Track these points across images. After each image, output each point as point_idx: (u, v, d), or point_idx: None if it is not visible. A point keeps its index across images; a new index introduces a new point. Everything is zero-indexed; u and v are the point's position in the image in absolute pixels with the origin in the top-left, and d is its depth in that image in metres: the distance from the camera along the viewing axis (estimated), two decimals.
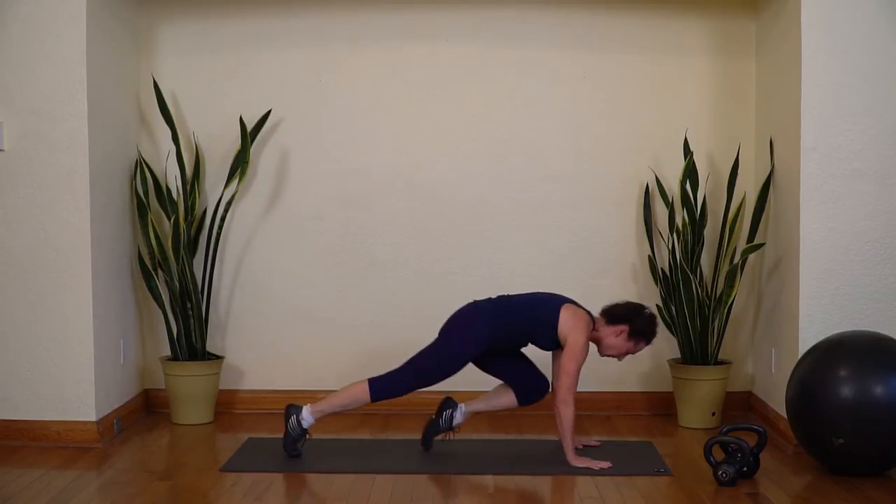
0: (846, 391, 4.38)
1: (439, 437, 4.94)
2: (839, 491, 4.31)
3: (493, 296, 4.90)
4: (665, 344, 5.69)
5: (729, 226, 5.46)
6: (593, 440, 5.05)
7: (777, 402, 5.19)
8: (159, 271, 5.55)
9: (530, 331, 4.75)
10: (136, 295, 5.66)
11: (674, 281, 5.42)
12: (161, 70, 5.73)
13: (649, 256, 5.62)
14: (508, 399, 4.93)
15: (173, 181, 5.62)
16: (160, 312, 5.61)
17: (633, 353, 4.80)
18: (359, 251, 5.79)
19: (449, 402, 4.96)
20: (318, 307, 5.78)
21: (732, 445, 4.45)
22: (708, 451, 4.45)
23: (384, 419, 5.62)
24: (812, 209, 4.90)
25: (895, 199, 4.90)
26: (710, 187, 5.66)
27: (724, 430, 4.56)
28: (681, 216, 5.48)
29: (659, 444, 5.09)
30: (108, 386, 5.22)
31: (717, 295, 5.40)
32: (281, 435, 4.84)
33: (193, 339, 5.54)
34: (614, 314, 4.75)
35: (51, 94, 4.99)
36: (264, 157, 5.78)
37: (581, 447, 4.89)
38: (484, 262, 5.77)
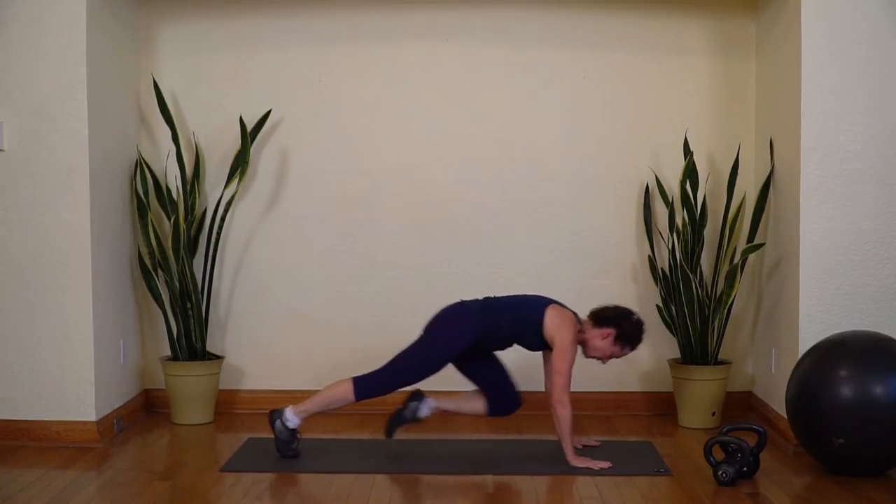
0: (846, 391, 4.38)
1: (403, 426, 4.93)
2: (839, 491, 4.31)
3: (481, 297, 4.89)
4: (665, 344, 5.69)
5: (729, 226, 5.46)
6: (593, 440, 5.05)
7: (777, 402, 5.19)
8: (159, 271, 5.55)
9: (517, 331, 4.74)
10: (136, 295, 5.66)
11: (674, 281, 5.42)
12: (161, 70, 5.73)
13: (649, 256, 5.62)
14: (479, 406, 4.93)
15: (173, 181, 5.62)
16: (160, 312, 5.61)
17: (617, 356, 4.78)
18: (359, 251, 5.79)
19: (417, 395, 4.97)
20: (318, 307, 5.78)
21: (732, 445, 4.45)
22: (708, 451, 4.45)
23: (384, 419, 5.62)
24: (812, 209, 4.90)
25: (895, 199, 4.90)
26: (710, 187, 5.66)
27: (724, 430, 4.56)
28: (681, 216, 5.48)
29: (659, 444, 5.09)
30: (108, 386, 5.22)
31: (717, 295, 5.40)
32: None
33: (193, 339, 5.54)
34: (602, 317, 4.74)
35: (51, 94, 4.99)
36: (264, 157, 5.78)
37: (581, 447, 4.89)
38: (484, 262, 5.77)
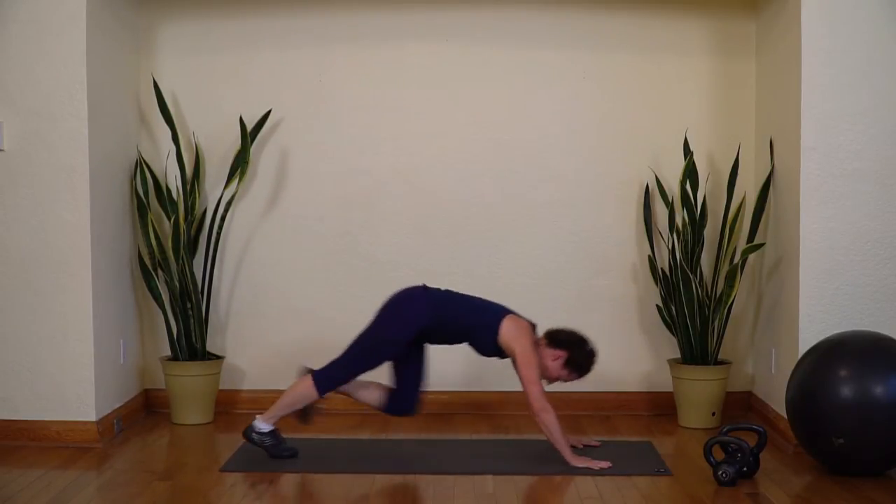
0: (846, 391, 4.38)
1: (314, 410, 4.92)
2: (839, 491, 4.31)
3: (443, 288, 4.87)
4: (665, 344, 5.69)
5: (729, 226, 5.46)
6: (593, 440, 5.05)
7: (777, 402, 5.19)
8: (159, 271, 5.55)
9: (470, 331, 4.73)
10: (136, 295, 5.66)
11: (674, 281, 5.42)
12: (161, 70, 5.73)
13: (649, 256, 5.62)
14: (376, 399, 4.88)
15: (173, 181, 5.62)
16: (160, 312, 5.61)
17: (563, 380, 4.76)
18: (359, 251, 5.78)
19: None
20: (319, 307, 5.78)
21: (732, 445, 4.45)
22: (708, 451, 4.45)
23: (384, 419, 5.62)
24: (812, 209, 4.90)
25: (895, 199, 4.90)
26: (710, 187, 5.66)
27: (724, 430, 4.56)
28: (681, 216, 5.48)
29: (659, 444, 5.09)
30: (108, 386, 5.22)
31: (717, 295, 5.40)
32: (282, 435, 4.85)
33: (193, 339, 5.54)
34: (557, 338, 4.73)
35: (51, 94, 4.99)
36: (264, 157, 5.78)
37: (581, 447, 4.89)
38: (483, 262, 5.77)
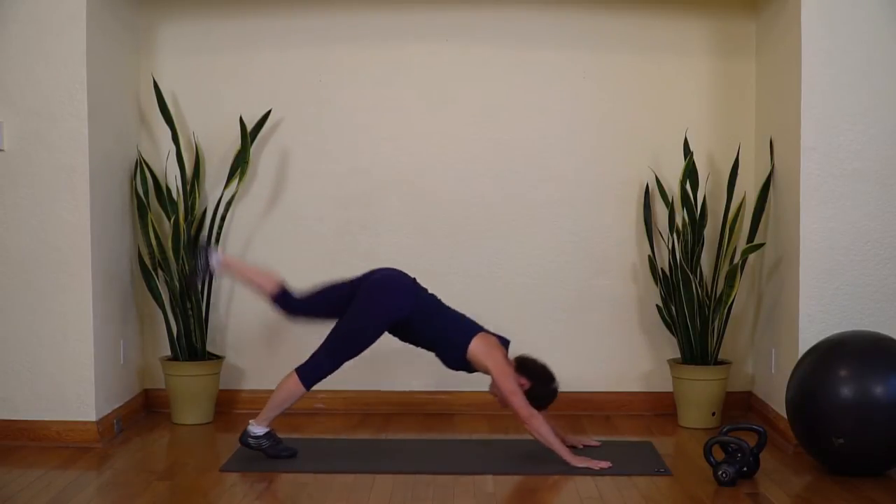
0: (846, 391, 4.38)
1: (201, 278, 4.99)
2: (839, 491, 4.31)
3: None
4: (665, 344, 5.69)
5: (729, 226, 5.46)
6: (593, 440, 5.05)
7: (777, 402, 5.19)
8: (159, 271, 5.55)
9: (436, 341, 4.74)
10: (136, 295, 5.66)
11: (674, 281, 5.42)
12: (161, 70, 5.73)
13: (649, 256, 5.62)
14: (266, 287, 4.89)
15: (173, 181, 5.62)
16: (160, 312, 5.62)
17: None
18: (359, 251, 5.78)
19: (201, 247, 4.98)
20: None
21: (732, 445, 4.45)
22: (708, 451, 4.45)
23: (384, 419, 5.63)
24: (812, 209, 4.90)
25: (895, 199, 4.90)
26: (710, 187, 5.66)
27: (724, 430, 4.56)
28: (681, 216, 5.48)
29: (659, 444, 5.09)
30: (108, 386, 5.22)
31: (717, 295, 5.40)
32: (281, 436, 4.85)
33: (193, 339, 5.54)
34: (526, 367, 4.72)
35: (51, 94, 4.99)
36: (264, 157, 5.78)
37: (581, 447, 4.89)
38: (484, 262, 5.77)
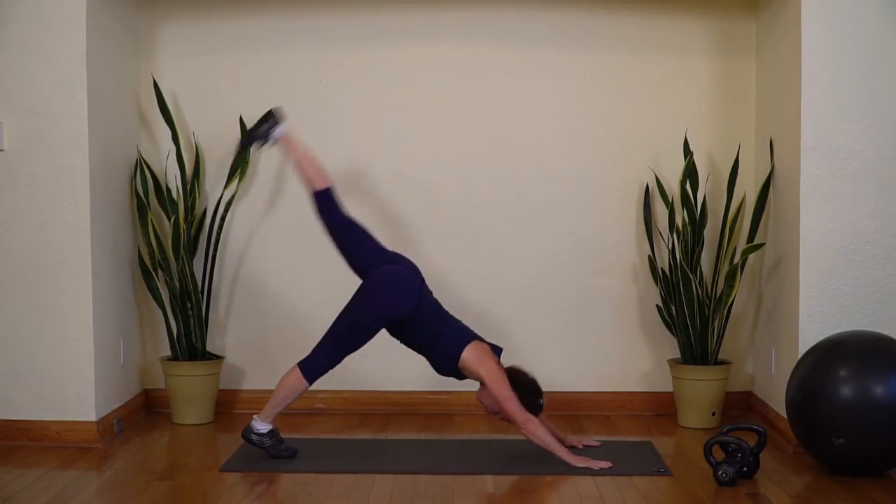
0: (846, 391, 4.38)
1: (258, 144, 4.99)
2: (839, 491, 4.31)
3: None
4: (665, 344, 5.69)
5: (729, 226, 5.46)
6: (593, 440, 5.05)
7: (777, 402, 5.19)
8: (159, 271, 5.55)
9: (429, 346, 4.73)
10: (136, 295, 5.66)
11: (674, 281, 5.42)
12: (161, 70, 5.73)
13: (649, 256, 5.62)
14: (316, 182, 4.87)
15: (173, 181, 5.62)
16: (160, 312, 5.62)
17: (496, 416, 4.75)
18: None
19: (275, 118, 4.95)
20: (318, 307, 5.76)
21: (732, 445, 4.45)
22: (708, 451, 4.45)
23: (384, 419, 5.63)
24: (812, 209, 4.90)
25: (895, 199, 4.90)
26: (710, 187, 5.66)
27: (724, 430, 4.56)
28: (681, 216, 5.48)
29: (659, 444, 5.09)
30: (108, 386, 5.22)
31: (717, 295, 5.40)
32: (282, 436, 4.85)
33: (193, 339, 5.54)
34: (516, 378, 4.70)
35: (51, 94, 4.99)
36: (264, 157, 5.78)
37: (581, 447, 4.89)
38: (484, 262, 5.77)
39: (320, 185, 4.87)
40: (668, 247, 5.58)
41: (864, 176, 4.89)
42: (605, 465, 4.59)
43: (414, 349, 4.81)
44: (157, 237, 5.47)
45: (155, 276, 5.55)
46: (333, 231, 4.88)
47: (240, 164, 5.60)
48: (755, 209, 5.41)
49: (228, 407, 5.76)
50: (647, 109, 5.74)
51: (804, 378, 4.54)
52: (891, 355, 4.44)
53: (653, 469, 4.61)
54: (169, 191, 5.58)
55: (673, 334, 5.52)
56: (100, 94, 5.14)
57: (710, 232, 5.59)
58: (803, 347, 4.84)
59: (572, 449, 4.78)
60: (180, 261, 5.44)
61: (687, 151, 5.50)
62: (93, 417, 5.04)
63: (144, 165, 5.56)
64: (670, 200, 5.55)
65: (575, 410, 5.69)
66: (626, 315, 5.76)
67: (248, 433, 4.77)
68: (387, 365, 5.62)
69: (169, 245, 5.49)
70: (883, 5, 4.86)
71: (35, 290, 5.03)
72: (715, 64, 5.73)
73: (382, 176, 5.77)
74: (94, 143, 5.05)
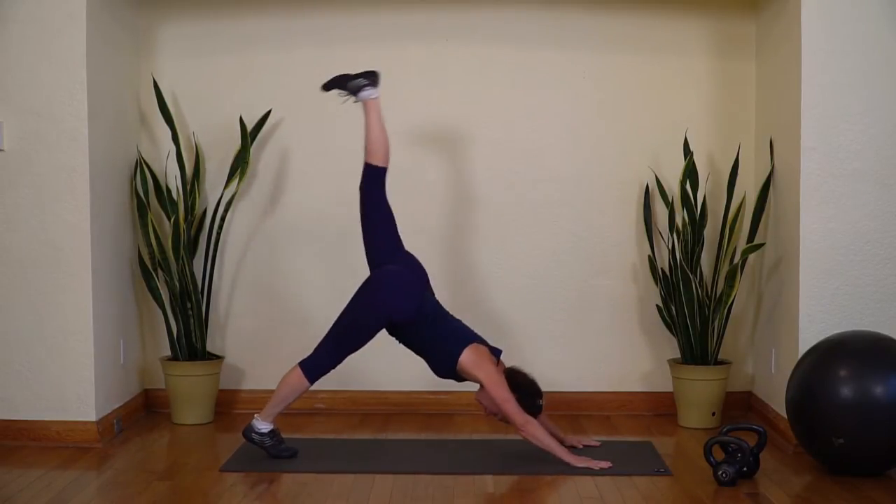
0: (846, 391, 4.38)
1: (341, 93, 4.96)
2: (839, 491, 4.31)
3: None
4: (665, 344, 5.69)
5: (729, 226, 5.46)
6: (593, 440, 5.05)
7: (777, 402, 5.19)
8: (159, 271, 5.55)
9: (428, 348, 4.73)
10: (136, 295, 5.67)
11: (674, 281, 5.42)
12: (161, 70, 5.73)
13: (649, 256, 5.62)
14: (379, 154, 4.87)
15: (173, 181, 5.62)
16: (160, 312, 5.62)
17: (495, 416, 4.75)
18: (359, 251, 5.75)
19: (373, 79, 4.93)
20: (318, 307, 5.77)
21: (732, 445, 4.45)
22: (708, 451, 4.45)
23: (384, 419, 5.63)
24: (812, 209, 4.90)
25: (895, 199, 4.90)
26: (710, 187, 5.66)
27: (724, 430, 4.56)
28: (681, 216, 5.48)
29: (659, 444, 5.09)
30: (108, 386, 5.22)
31: (717, 295, 5.40)
32: (282, 436, 4.85)
33: (193, 339, 5.54)
34: (514, 380, 4.70)
35: (51, 94, 4.99)
36: (264, 157, 5.78)
37: (581, 447, 4.89)
38: (484, 262, 5.77)
39: (379, 162, 4.87)
40: (668, 247, 5.58)
41: (864, 176, 4.89)
42: (606, 465, 4.59)
43: (413, 350, 4.81)
44: (157, 237, 5.47)
45: (155, 276, 5.55)
46: (368, 209, 4.88)
47: (240, 164, 5.60)
48: (755, 209, 5.41)
49: (228, 407, 5.76)
50: (647, 109, 5.74)
51: (804, 378, 4.54)
52: (891, 355, 4.44)
53: (653, 469, 4.61)
54: (169, 191, 5.58)
55: (673, 334, 5.52)
56: (100, 94, 5.14)
57: (710, 232, 5.59)
58: (803, 347, 4.84)
59: (572, 449, 4.78)
60: (180, 261, 5.44)
61: (687, 151, 5.50)
62: (93, 417, 5.04)
63: (144, 165, 5.56)
64: (670, 200, 5.55)
65: (575, 410, 5.69)
66: (626, 315, 5.76)
67: (248, 432, 4.78)
68: (387, 365, 5.62)
69: (169, 245, 5.49)
70: (883, 5, 4.86)
71: (35, 290, 5.03)
72: (715, 64, 5.73)
73: None
74: (94, 143, 5.05)
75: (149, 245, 5.50)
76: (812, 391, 4.46)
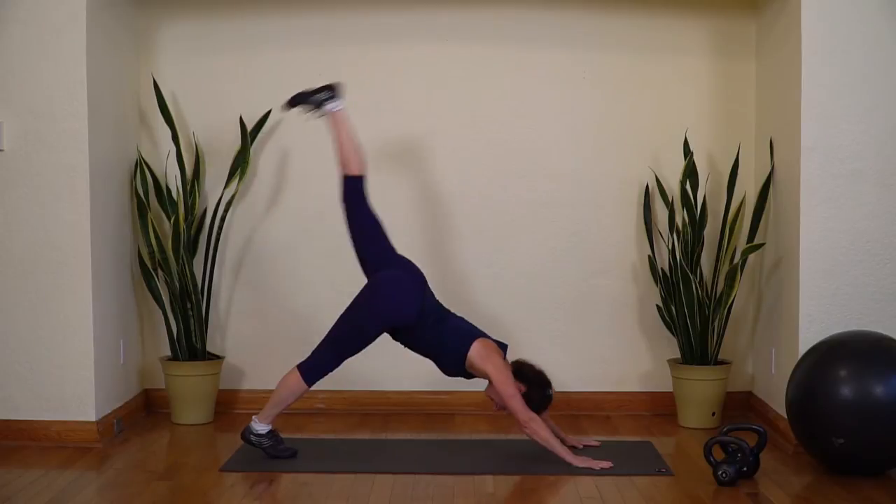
0: (846, 391, 4.38)
1: (304, 109, 4.95)
2: (839, 491, 4.31)
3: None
4: (665, 344, 5.70)
5: (729, 226, 5.46)
6: (593, 440, 5.05)
7: (777, 402, 5.19)
8: (159, 271, 5.55)
9: (434, 349, 4.73)
10: (136, 295, 5.67)
11: (674, 281, 5.42)
12: (161, 70, 5.73)
13: (649, 256, 5.62)
14: (353, 164, 4.87)
15: (173, 181, 5.62)
16: (160, 312, 5.62)
17: (509, 413, 4.75)
18: None
19: (334, 92, 4.91)
20: (319, 307, 5.77)
21: (732, 445, 4.45)
22: (708, 451, 4.45)
23: (384, 419, 5.63)
24: (812, 209, 4.90)
25: (895, 199, 4.90)
26: (710, 187, 5.66)
27: (724, 430, 4.56)
28: (681, 216, 5.48)
29: (659, 444, 5.09)
30: (108, 386, 5.22)
31: (717, 295, 5.40)
32: (282, 436, 4.85)
33: (193, 339, 5.54)
34: (522, 371, 4.72)
35: (51, 94, 4.99)
36: (264, 157, 5.78)
37: (581, 447, 4.89)
38: (484, 262, 5.77)
39: (354, 171, 4.88)
40: (668, 247, 5.58)
41: (864, 176, 4.89)
42: (606, 464, 4.59)
43: (419, 353, 4.80)
44: (157, 237, 5.47)
45: (155, 276, 5.55)
46: (353, 220, 4.88)
47: (240, 164, 5.60)
48: (755, 209, 5.41)
49: (228, 407, 5.76)
50: (647, 109, 5.74)
51: (804, 378, 4.54)
52: (891, 355, 4.44)
53: (653, 469, 4.61)
54: (169, 191, 5.58)
55: (673, 334, 5.52)
56: (100, 94, 5.14)
57: (710, 232, 5.59)
58: (803, 347, 4.84)
59: (572, 449, 4.78)
60: (180, 261, 5.44)
61: (687, 151, 5.51)
62: (93, 417, 5.04)
63: (144, 165, 5.56)
64: (670, 200, 5.55)
65: (575, 410, 5.69)
66: (626, 315, 5.76)
67: (247, 434, 4.77)
68: (387, 365, 5.61)
69: (169, 245, 5.49)
70: (883, 5, 4.86)
71: (35, 290, 5.03)
72: (715, 64, 5.73)
73: (382, 176, 5.76)
74: (94, 143, 5.05)
75: (149, 245, 5.50)
76: (812, 391, 4.47)
